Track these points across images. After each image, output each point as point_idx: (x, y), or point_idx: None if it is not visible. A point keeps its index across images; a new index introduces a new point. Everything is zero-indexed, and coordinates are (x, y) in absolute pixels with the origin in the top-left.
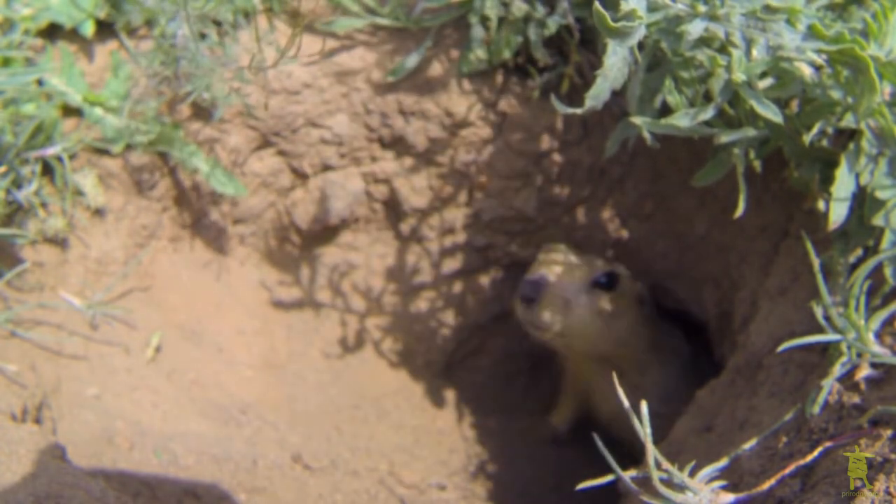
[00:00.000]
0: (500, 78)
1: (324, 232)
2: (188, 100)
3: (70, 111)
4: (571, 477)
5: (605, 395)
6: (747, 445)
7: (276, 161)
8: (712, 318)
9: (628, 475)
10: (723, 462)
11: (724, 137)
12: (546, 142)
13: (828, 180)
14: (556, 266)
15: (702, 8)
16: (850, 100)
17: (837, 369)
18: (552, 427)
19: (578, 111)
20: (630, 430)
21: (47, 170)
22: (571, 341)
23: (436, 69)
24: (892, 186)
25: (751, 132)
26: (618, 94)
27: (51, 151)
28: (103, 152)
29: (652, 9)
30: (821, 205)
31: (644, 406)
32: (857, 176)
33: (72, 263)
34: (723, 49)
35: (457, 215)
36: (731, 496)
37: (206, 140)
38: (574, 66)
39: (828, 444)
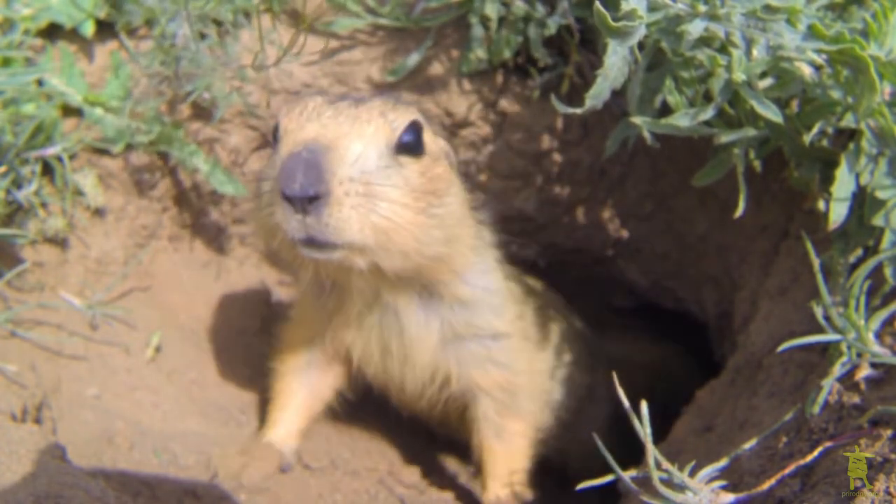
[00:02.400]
0: (500, 78)
1: None
2: (189, 100)
3: (70, 111)
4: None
5: (381, 342)
6: (747, 445)
7: None
8: (712, 317)
9: (628, 475)
10: (723, 462)
11: (724, 137)
12: (546, 142)
13: (828, 180)
14: (335, 125)
15: (702, 8)
16: (850, 100)
17: (837, 369)
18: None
19: (578, 111)
20: (408, 389)
21: (47, 170)
22: (378, 256)
23: (436, 69)
24: (892, 186)
25: (751, 132)
26: (618, 94)
27: (51, 151)
28: (103, 152)
29: (652, 8)
30: (821, 205)
31: (644, 406)
32: (857, 176)
33: (72, 263)
34: (723, 49)
35: None
36: (731, 496)
37: (207, 140)
38: (574, 66)
39: (828, 444)
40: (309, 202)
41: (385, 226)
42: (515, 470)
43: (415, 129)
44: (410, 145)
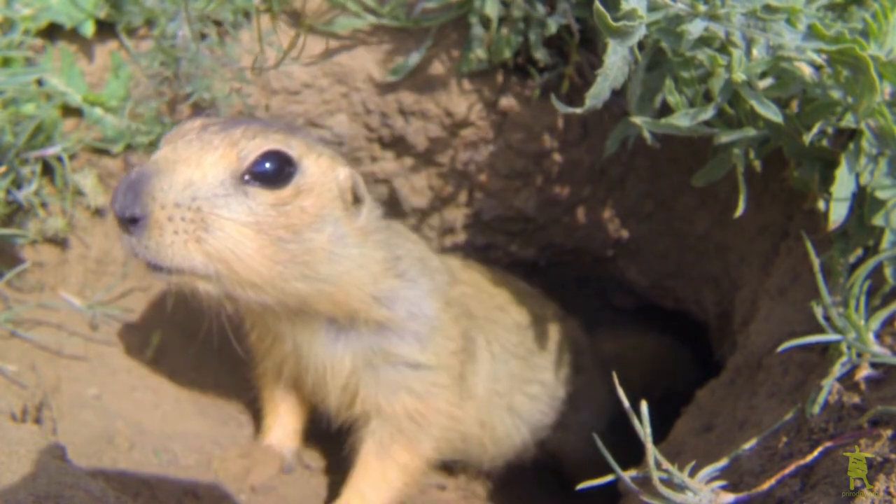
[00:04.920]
0: (500, 78)
1: None
2: (188, 100)
3: (70, 111)
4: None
5: (313, 356)
6: (747, 445)
7: None
8: (712, 317)
9: (628, 475)
10: (723, 462)
11: (724, 137)
12: (546, 142)
13: (828, 180)
14: (182, 150)
15: (702, 7)
16: (850, 100)
17: (837, 369)
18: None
19: (578, 111)
20: (335, 398)
21: (47, 170)
22: (234, 289)
23: (436, 69)
24: (892, 186)
25: (751, 132)
26: (618, 94)
27: (51, 151)
28: (103, 152)
29: (652, 8)
30: (821, 205)
31: (644, 406)
32: (857, 176)
33: (72, 263)
34: (723, 49)
35: (457, 215)
36: (731, 496)
37: None
38: (574, 66)
39: (828, 444)
40: (131, 223)
41: (223, 255)
42: (377, 497)
43: (274, 159)
44: (265, 175)
